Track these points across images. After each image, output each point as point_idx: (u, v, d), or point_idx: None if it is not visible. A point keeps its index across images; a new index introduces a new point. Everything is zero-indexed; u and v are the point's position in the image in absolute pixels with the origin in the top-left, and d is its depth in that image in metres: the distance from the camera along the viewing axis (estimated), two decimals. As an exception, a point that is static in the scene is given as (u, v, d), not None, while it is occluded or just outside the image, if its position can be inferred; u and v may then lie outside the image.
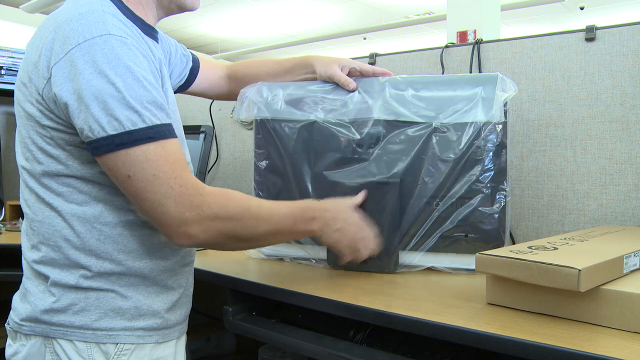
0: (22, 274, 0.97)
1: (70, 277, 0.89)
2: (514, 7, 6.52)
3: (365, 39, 9.01)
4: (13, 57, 2.37)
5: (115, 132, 0.81)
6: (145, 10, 0.97)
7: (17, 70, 2.36)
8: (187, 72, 1.24)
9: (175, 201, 0.84)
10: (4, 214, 2.25)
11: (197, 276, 1.30)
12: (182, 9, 1.03)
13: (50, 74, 0.83)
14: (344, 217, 1.06)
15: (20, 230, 2.03)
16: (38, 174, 0.90)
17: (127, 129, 0.81)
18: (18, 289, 0.98)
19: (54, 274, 0.90)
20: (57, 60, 0.83)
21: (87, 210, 0.89)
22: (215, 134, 2.20)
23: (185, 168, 0.87)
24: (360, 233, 1.08)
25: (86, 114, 0.81)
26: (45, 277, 0.90)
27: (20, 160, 0.93)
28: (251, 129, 1.36)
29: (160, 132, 0.84)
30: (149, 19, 0.98)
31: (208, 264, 1.36)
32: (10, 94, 2.36)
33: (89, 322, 0.90)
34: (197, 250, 1.54)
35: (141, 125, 0.82)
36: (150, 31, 0.98)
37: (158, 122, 0.84)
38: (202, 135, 1.98)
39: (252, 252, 1.41)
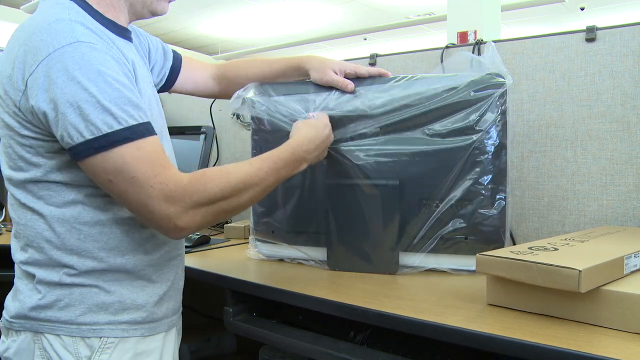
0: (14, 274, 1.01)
1: (54, 274, 0.92)
2: (514, 8, 6.51)
3: (365, 39, 9.00)
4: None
5: (92, 136, 0.83)
6: (116, 12, 0.98)
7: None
8: (166, 70, 1.24)
9: (157, 199, 0.86)
10: (4, 215, 2.25)
11: (197, 276, 1.30)
12: (154, 14, 1.05)
13: (26, 86, 0.85)
14: (319, 142, 1.14)
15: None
16: (20, 181, 0.92)
17: (104, 132, 0.83)
18: (11, 288, 1.01)
19: (39, 272, 0.93)
20: (31, 72, 0.84)
21: (66, 212, 0.91)
22: (216, 135, 2.20)
23: (165, 165, 0.88)
24: (326, 141, 1.17)
25: (64, 121, 0.83)
26: (32, 276, 0.94)
27: (4, 168, 0.95)
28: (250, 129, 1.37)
29: (137, 132, 0.86)
30: (121, 21, 1.00)
31: (208, 265, 1.36)
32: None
33: (73, 317, 0.92)
34: (196, 251, 1.54)
35: (117, 127, 0.84)
36: (122, 32, 1.00)
37: (134, 122, 0.86)
38: (202, 136, 1.98)
39: (252, 253, 1.41)
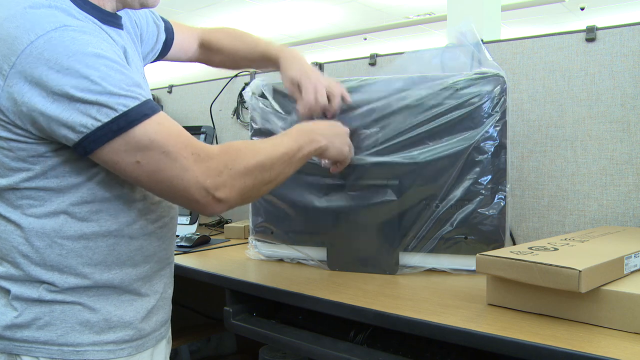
0: None
1: (32, 290, 0.84)
2: (514, 8, 6.51)
3: (365, 39, 9.00)
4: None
5: (109, 119, 0.77)
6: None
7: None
8: (159, 46, 1.19)
9: (192, 171, 0.81)
10: None
11: (197, 276, 1.30)
12: (143, 5, 0.96)
13: (5, 81, 0.76)
14: (328, 125, 1.12)
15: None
16: None
17: (121, 111, 0.77)
18: None
19: (15, 287, 0.84)
20: (11, 65, 0.75)
21: (46, 224, 0.83)
22: (216, 135, 2.20)
23: (189, 135, 0.83)
24: (338, 125, 1.14)
25: (70, 112, 0.76)
26: (6, 291, 0.85)
27: None
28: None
29: (152, 107, 0.80)
30: (106, 7, 0.91)
31: (208, 265, 1.36)
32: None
33: (54, 337, 0.84)
34: (196, 251, 1.54)
35: (132, 104, 0.78)
36: (110, 19, 0.92)
37: (145, 99, 0.80)
38: (202, 136, 1.98)
39: (252, 254, 1.40)
